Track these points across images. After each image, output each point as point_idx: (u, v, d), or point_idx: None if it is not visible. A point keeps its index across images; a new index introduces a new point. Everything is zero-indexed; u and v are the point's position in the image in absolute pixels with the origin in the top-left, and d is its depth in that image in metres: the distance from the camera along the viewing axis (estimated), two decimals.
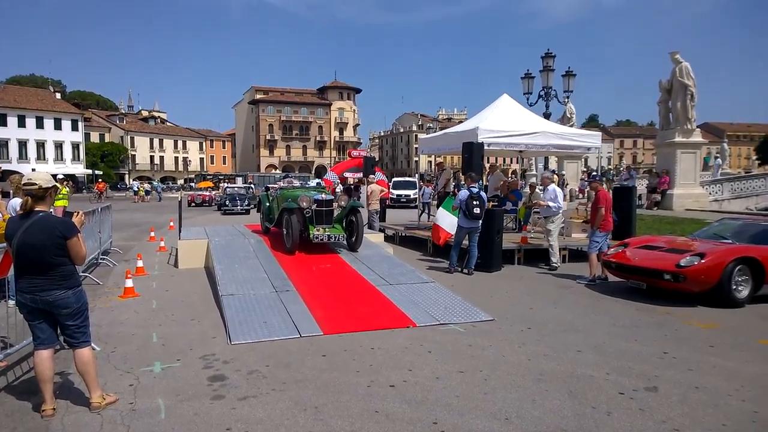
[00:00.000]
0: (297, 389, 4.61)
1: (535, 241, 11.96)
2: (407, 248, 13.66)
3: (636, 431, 3.91)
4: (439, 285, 8.41)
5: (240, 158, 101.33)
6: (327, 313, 6.83)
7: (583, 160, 30.66)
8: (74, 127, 70.74)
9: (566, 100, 23.65)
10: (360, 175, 18.41)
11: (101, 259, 11.23)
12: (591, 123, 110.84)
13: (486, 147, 11.94)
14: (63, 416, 4.07)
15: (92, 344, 4.44)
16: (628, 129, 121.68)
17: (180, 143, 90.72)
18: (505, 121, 13.07)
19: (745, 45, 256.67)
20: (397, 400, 4.39)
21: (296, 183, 12.62)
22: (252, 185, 42.06)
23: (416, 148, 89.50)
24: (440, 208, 11.92)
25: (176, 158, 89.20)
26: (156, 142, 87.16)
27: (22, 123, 65.47)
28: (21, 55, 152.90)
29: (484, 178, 15.77)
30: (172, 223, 18.92)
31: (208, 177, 67.16)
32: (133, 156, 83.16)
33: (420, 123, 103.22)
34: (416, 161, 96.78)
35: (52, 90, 75.65)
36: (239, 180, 54.26)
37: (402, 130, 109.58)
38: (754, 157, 71.59)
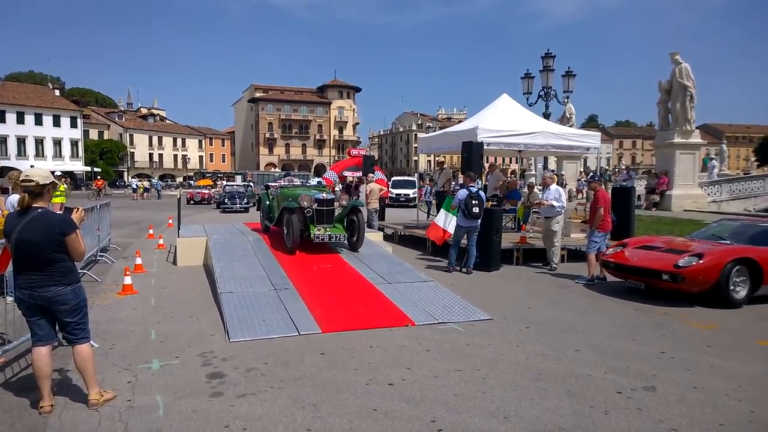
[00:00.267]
0: (295, 387, 4.61)
1: (534, 241, 11.95)
2: (406, 247, 13.67)
3: (633, 430, 3.92)
4: (438, 284, 8.41)
5: (239, 156, 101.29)
6: (326, 312, 6.83)
7: (582, 160, 30.67)
8: (73, 124, 70.63)
9: (566, 100, 23.65)
10: (359, 174, 18.39)
11: (100, 256, 11.23)
12: (590, 123, 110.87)
13: (485, 146, 11.95)
14: (61, 413, 4.07)
15: (91, 341, 4.43)
16: (628, 129, 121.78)
17: (179, 141, 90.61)
18: (505, 121, 13.07)
19: (745, 47, 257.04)
20: (396, 399, 4.39)
21: (297, 182, 12.50)
22: (251, 183, 42.05)
23: (416, 147, 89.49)
24: (441, 207, 11.94)
25: (175, 156, 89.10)
26: (155, 139, 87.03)
27: (20, 120, 65.35)
28: (20, 51, 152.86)
29: (484, 177, 15.80)
30: (170, 221, 18.89)
31: (208, 175, 67.10)
32: (132, 153, 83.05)
33: (420, 122, 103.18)
34: (416, 160, 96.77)
35: (51, 87, 75.54)
36: (238, 178, 54.21)
37: (401, 130, 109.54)
38: (753, 159, 71.70)
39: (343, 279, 8.51)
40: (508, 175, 20.95)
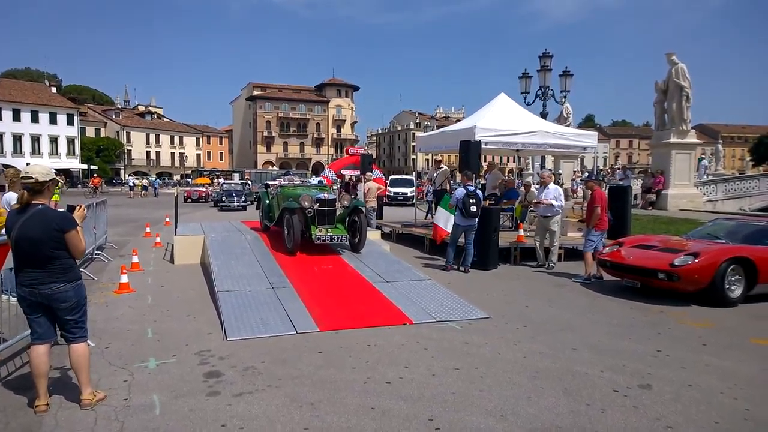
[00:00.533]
0: (293, 385, 4.62)
1: (530, 241, 11.95)
2: (404, 246, 13.68)
3: (630, 428, 3.93)
4: (436, 282, 8.43)
5: (237, 155, 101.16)
6: (323, 310, 6.83)
7: (579, 160, 30.76)
8: (70, 122, 70.48)
9: (563, 99, 23.66)
10: (357, 172, 18.38)
11: (96, 254, 11.21)
12: (587, 123, 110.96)
13: (483, 146, 11.96)
14: (56, 412, 4.06)
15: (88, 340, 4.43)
16: (624, 129, 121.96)
17: (176, 139, 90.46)
18: (503, 120, 13.08)
19: (741, 47, 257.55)
20: (393, 397, 4.40)
21: (297, 180, 12.25)
22: (249, 182, 42.01)
23: (414, 146, 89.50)
24: (438, 206, 11.92)
25: (172, 154, 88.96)
26: (152, 137, 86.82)
27: (17, 117, 65.24)
28: (17, 49, 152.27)
29: (482, 176, 15.79)
30: (167, 219, 18.87)
31: (205, 173, 67.03)
32: (129, 151, 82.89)
33: (418, 121, 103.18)
34: (413, 159, 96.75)
35: (48, 84, 75.42)
36: (236, 176, 54.13)
37: (399, 128, 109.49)
38: (748, 158, 71.91)
39: (341, 278, 8.50)
40: (506, 174, 20.96)
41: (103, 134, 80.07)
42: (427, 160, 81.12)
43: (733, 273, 7.78)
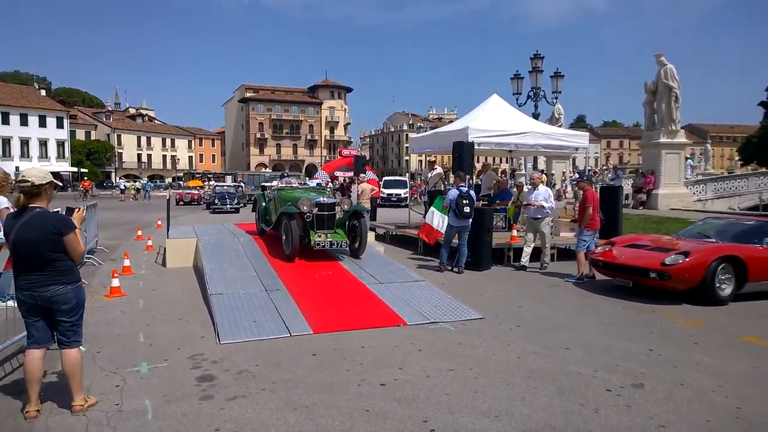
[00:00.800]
0: (287, 389, 4.61)
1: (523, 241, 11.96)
2: (398, 247, 13.68)
3: (623, 427, 3.95)
4: (430, 284, 8.43)
5: (229, 157, 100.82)
6: (317, 312, 6.82)
7: (571, 160, 30.87)
8: (59, 125, 69.98)
9: (555, 100, 23.81)
10: (351, 174, 18.38)
11: (87, 258, 11.13)
12: (578, 123, 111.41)
13: (476, 146, 11.98)
14: (47, 418, 4.02)
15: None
16: (615, 129, 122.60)
17: (168, 141, 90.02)
18: (495, 121, 13.13)
19: (729, 49, 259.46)
20: (388, 399, 4.40)
21: (294, 183, 11.88)
22: (242, 184, 41.93)
23: (407, 147, 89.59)
24: (431, 207, 11.93)
25: (164, 156, 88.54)
26: (143, 140, 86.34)
27: (5, 120, 64.67)
28: (5, 51, 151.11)
29: (475, 177, 15.83)
30: (159, 222, 18.78)
31: (197, 175, 66.79)
32: (120, 154, 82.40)
33: (411, 122, 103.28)
34: (407, 160, 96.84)
35: (37, 87, 74.83)
36: (228, 179, 54.01)
37: (393, 130, 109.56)
38: (737, 158, 72.37)
39: (335, 279, 8.48)
40: (499, 175, 21.04)
41: (93, 137, 79.53)
42: (421, 161, 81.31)
43: (723, 272, 7.83)
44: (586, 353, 5.63)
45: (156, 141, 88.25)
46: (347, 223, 10.06)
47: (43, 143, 68.29)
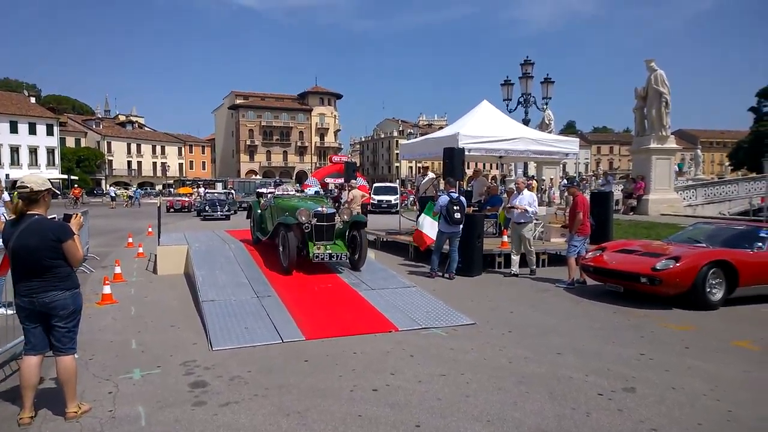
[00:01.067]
0: (280, 395, 4.60)
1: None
2: (389, 253, 13.69)
3: (615, 431, 3.98)
4: (421, 290, 8.45)
5: (220, 164, 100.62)
6: (309, 319, 6.82)
7: (561, 166, 31.02)
8: (49, 132, 69.65)
9: (545, 106, 23.95)
10: (341, 180, 18.39)
11: None
12: (568, 129, 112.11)
13: (467, 152, 12.03)
14: (41, 424, 4.01)
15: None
16: (605, 135, 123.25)
17: (158, 148, 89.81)
18: (485, 127, 13.18)
19: (719, 55, 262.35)
20: (380, 404, 4.41)
21: (291, 190, 11.34)
22: (232, 191, 41.83)
23: (397, 153, 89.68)
24: (422, 213, 11.94)
25: (154, 164, 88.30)
26: (134, 147, 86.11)
27: None
28: None
29: (466, 183, 15.88)
30: (150, 229, 18.69)
31: (188, 183, 66.57)
32: (110, 161, 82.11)
33: (401, 129, 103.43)
34: (397, 167, 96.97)
35: (27, 94, 74.56)
36: (219, 185, 53.86)
37: (383, 136, 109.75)
38: (727, 163, 73.12)
39: (326, 285, 8.48)
40: (489, 181, 21.09)
41: (83, 144, 79.23)
42: (411, 167, 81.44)
43: (713, 276, 7.89)
44: (577, 358, 5.66)
45: (146, 148, 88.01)
46: (347, 233, 9.67)
47: (33, 150, 67.94)
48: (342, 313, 7.17)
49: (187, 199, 39.83)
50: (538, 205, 11.79)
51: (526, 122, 20.69)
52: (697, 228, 9.93)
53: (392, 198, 32.89)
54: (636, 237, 13.52)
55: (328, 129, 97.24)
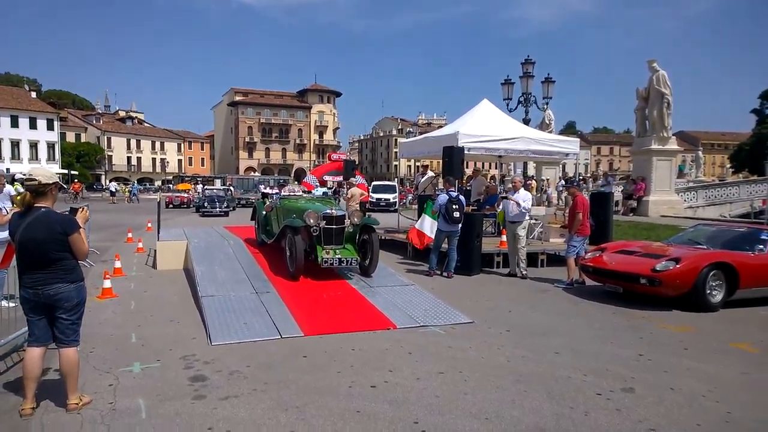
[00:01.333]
0: (278, 389, 4.61)
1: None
2: (387, 251, 13.66)
3: (613, 430, 3.99)
4: (419, 288, 8.47)
5: (219, 160, 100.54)
6: (307, 315, 6.83)
7: (560, 166, 31.04)
8: (50, 127, 69.53)
9: (545, 106, 23.93)
10: (340, 178, 18.36)
11: None
12: (568, 130, 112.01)
13: (466, 151, 12.02)
14: (42, 416, 4.02)
15: None
16: (605, 136, 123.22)
17: (158, 144, 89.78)
18: (486, 126, 13.18)
19: (720, 57, 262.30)
20: (379, 401, 4.42)
21: (297, 190, 10.93)
22: (231, 188, 41.83)
23: (396, 152, 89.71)
24: (423, 212, 11.92)
25: (154, 159, 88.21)
26: (133, 142, 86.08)
27: None
28: None
29: (465, 182, 15.88)
30: (149, 225, 18.70)
31: (187, 179, 66.55)
32: (110, 156, 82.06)
33: (400, 127, 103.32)
34: (396, 165, 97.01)
35: (28, 89, 74.35)
36: (218, 182, 53.86)
37: (382, 135, 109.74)
38: (728, 165, 73.14)
39: (325, 283, 8.49)
40: (488, 180, 21.09)
41: (83, 139, 79.06)
42: (410, 166, 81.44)
43: (714, 278, 7.88)
44: (575, 358, 5.66)
45: (145, 144, 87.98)
46: (357, 237, 9.19)
47: (34, 145, 67.84)
48: (340, 310, 7.19)
49: (185, 195, 39.84)
50: (538, 205, 11.76)
51: (526, 122, 20.67)
52: (698, 230, 9.93)
53: (391, 196, 32.90)
54: (636, 238, 13.52)
55: (327, 127, 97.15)
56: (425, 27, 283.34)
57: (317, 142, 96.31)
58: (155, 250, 11.32)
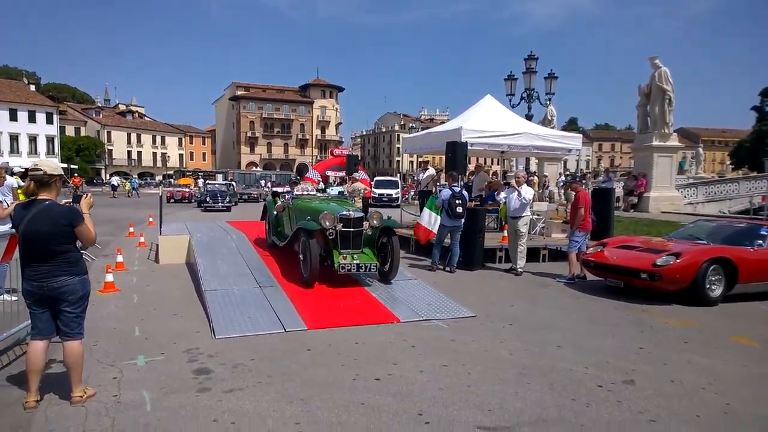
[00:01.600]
0: (283, 382, 4.65)
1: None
2: None
3: (614, 421, 4.03)
4: (422, 282, 8.50)
5: (220, 155, 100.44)
6: (311, 309, 6.87)
7: (562, 162, 31.02)
8: (49, 120, 69.40)
9: (548, 102, 23.89)
10: (342, 173, 18.39)
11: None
12: (570, 126, 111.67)
13: (469, 147, 12.04)
14: (46, 408, 4.05)
15: None
16: (607, 132, 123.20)
17: (158, 139, 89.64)
18: (489, 122, 13.20)
19: (721, 54, 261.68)
20: (383, 393, 4.45)
21: (311, 189, 10.35)
22: (233, 183, 41.84)
23: (398, 147, 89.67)
24: (424, 207, 11.93)
25: (154, 154, 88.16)
26: (134, 136, 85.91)
27: None
28: None
29: (467, 178, 15.89)
30: (151, 219, 18.73)
31: (188, 173, 66.53)
32: (110, 151, 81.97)
33: (402, 123, 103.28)
34: (398, 161, 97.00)
35: (27, 82, 74.14)
36: (219, 177, 53.88)
37: (384, 130, 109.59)
38: (728, 162, 73.10)
39: (328, 277, 8.50)
40: (491, 176, 21.08)
41: (83, 133, 79.02)
42: (412, 161, 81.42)
43: (713, 273, 7.93)
44: (577, 351, 5.70)
45: (146, 138, 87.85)
46: (376, 241, 8.60)
47: (33, 139, 67.74)
48: (344, 304, 7.22)
49: (187, 189, 39.84)
50: (539, 200, 11.74)
51: (528, 118, 20.62)
52: (698, 225, 9.96)
53: (393, 192, 32.97)
54: (637, 234, 13.56)
55: (329, 122, 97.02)
56: (428, 22, 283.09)
57: (319, 138, 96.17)
58: (157, 245, 11.35)
